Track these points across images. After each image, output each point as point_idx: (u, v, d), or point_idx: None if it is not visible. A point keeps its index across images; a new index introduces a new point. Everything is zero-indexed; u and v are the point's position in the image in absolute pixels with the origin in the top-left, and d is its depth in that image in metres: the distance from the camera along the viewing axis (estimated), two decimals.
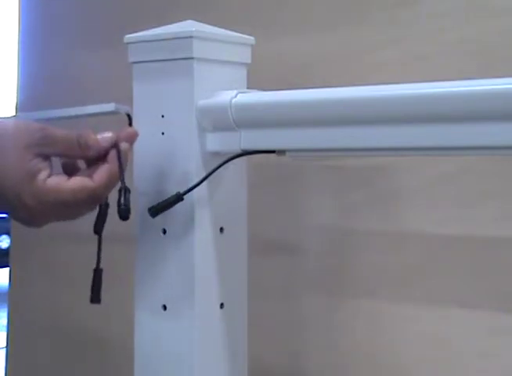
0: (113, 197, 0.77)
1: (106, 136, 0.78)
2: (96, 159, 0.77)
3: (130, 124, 0.82)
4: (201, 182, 0.79)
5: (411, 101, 0.70)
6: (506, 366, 0.93)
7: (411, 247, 1.00)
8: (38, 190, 0.74)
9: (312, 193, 1.10)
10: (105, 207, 0.80)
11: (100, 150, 0.77)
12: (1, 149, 0.74)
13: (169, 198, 0.79)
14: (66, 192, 0.75)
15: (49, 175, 0.75)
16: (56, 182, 0.75)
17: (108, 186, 0.77)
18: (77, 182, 0.76)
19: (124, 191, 0.76)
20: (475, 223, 0.95)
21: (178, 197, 0.79)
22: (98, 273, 0.82)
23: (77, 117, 0.89)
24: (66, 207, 0.76)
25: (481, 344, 0.94)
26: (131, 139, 0.79)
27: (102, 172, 0.76)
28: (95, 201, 0.78)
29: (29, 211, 0.75)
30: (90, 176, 0.76)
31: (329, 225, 1.08)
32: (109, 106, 0.84)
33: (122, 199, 0.76)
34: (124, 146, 0.78)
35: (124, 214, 0.76)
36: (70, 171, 0.78)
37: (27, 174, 0.74)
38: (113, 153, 0.77)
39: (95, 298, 0.81)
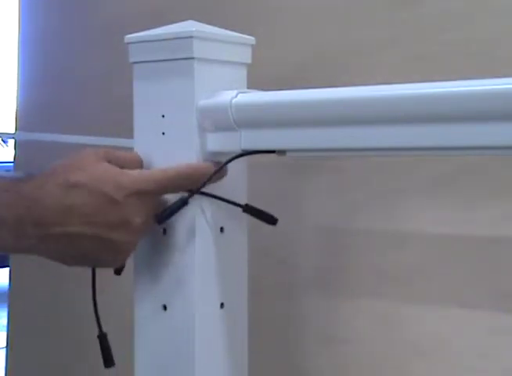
0: None
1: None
2: None
3: None
4: (204, 184, 0.79)
5: (411, 101, 0.70)
6: (506, 366, 0.93)
7: (411, 247, 1.00)
8: (130, 173, 0.76)
9: (312, 193, 1.10)
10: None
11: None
12: (80, 165, 0.76)
13: (174, 204, 0.79)
14: (158, 171, 0.78)
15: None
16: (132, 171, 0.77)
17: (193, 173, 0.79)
18: (154, 169, 0.79)
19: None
20: (475, 223, 0.95)
21: (183, 202, 0.79)
22: (103, 339, 0.82)
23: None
24: (159, 189, 0.77)
25: (481, 344, 0.94)
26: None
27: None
28: (184, 183, 0.78)
29: (124, 193, 0.74)
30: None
31: (329, 225, 1.08)
32: (129, 142, 0.85)
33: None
34: None
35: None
36: None
37: (111, 166, 0.75)
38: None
39: (109, 362, 0.82)
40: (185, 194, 0.79)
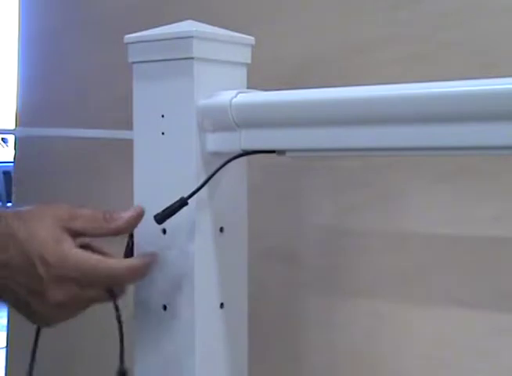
0: None
1: (130, 210, 0.80)
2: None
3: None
4: (204, 184, 0.79)
5: (411, 101, 0.70)
6: (506, 366, 0.93)
7: (411, 247, 1.00)
8: (63, 253, 0.75)
9: (312, 193, 1.10)
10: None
11: (125, 224, 0.79)
12: (31, 219, 0.75)
13: (174, 204, 0.78)
14: (89, 262, 0.76)
15: (75, 248, 0.76)
16: (81, 252, 0.76)
17: (126, 274, 0.78)
18: (102, 257, 0.77)
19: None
20: (475, 223, 0.95)
21: (183, 202, 0.78)
22: None
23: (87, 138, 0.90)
24: (86, 278, 0.76)
25: (481, 344, 0.94)
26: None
27: (124, 260, 0.79)
28: (111, 282, 0.78)
29: (49, 274, 0.74)
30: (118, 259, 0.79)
31: (329, 225, 1.08)
32: (129, 134, 0.85)
33: None
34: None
35: None
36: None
37: (53, 238, 0.75)
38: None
39: None
40: (181, 192, 0.79)
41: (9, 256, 0.74)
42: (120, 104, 1.01)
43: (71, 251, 0.75)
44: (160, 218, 0.78)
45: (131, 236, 0.83)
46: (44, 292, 0.75)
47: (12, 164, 1.72)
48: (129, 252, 0.83)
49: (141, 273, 0.79)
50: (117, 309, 0.79)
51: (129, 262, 0.79)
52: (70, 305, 0.77)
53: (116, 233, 0.79)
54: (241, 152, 0.80)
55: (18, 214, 0.77)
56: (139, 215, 0.79)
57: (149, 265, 0.79)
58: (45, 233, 0.75)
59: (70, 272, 0.75)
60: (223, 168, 0.80)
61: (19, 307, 0.78)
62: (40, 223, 0.75)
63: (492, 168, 0.92)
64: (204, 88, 0.81)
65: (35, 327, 0.84)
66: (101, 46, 1.44)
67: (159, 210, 0.79)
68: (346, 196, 1.06)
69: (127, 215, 0.79)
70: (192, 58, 0.80)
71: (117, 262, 0.78)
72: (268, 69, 1.09)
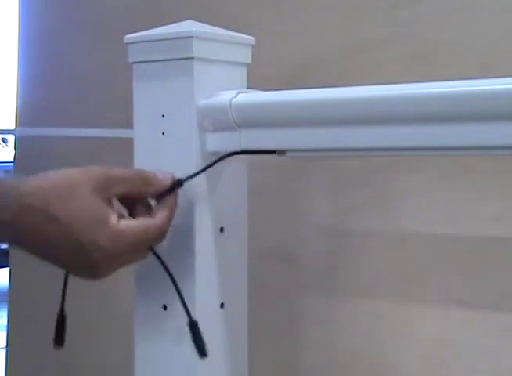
0: None
1: (164, 172, 0.79)
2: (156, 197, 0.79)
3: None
4: (201, 171, 0.79)
5: (411, 101, 0.70)
6: (506, 366, 0.93)
7: (411, 247, 1.00)
8: (113, 232, 0.74)
9: (312, 193, 1.10)
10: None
11: (160, 186, 0.78)
12: (69, 196, 0.73)
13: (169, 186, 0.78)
14: (139, 230, 0.75)
15: (118, 219, 0.75)
16: (127, 223, 0.75)
17: (170, 221, 0.78)
18: (146, 221, 0.77)
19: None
20: (475, 223, 0.95)
21: (179, 183, 0.78)
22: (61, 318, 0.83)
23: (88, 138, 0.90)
24: (138, 247, 0.76)
25: (481, 344, 0.94)
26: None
27: (163, 211, 0.78)
28: (161, 238, 0.78)
29: (103, 255, 0.74)
30: (153, 216, 0.78)
31: (329, 225, 1.08)
32: (129, 133, 0.85)
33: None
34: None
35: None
36: (131, 213, 0.78)
37: (99, 218, 0.74)
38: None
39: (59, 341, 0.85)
40: (182, 177, 0.79)
41: (48, 238, 0.73)
42: (120, 104, 1.01)
43: (119, 226, 0.75)
44: (157, 197, 0.78)
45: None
46: (95, 269, 0.75)
47: (12, 164, 1.72)
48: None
49: (169, 223, 0.79)
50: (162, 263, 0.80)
51: (163, 216, 0.78)
52: (118, 269, 0.77)
53: (154, 196, 0.78)
54: (240, 151, 0.80)
55: (46, 184, 0.74)
56: (173, 178, 0.79)
57: (173, 213, 0.79)
58: (88, 213, 0.73)
59: (123, 247, 0.75)
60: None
61: (60, 267, 0.77)
62: (78, 199, 0.73)
63: (492, 168, 0.92)
64: (204, 88, 0.81)
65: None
66: (101, 46, 1.44)
67: None
68: (346, 196, 1.06)
69: (164, 179, 0.78)
70: (192, 58, 0.80)
71: (157, 222, 0.77)
72: (268, 69, 1.09)
